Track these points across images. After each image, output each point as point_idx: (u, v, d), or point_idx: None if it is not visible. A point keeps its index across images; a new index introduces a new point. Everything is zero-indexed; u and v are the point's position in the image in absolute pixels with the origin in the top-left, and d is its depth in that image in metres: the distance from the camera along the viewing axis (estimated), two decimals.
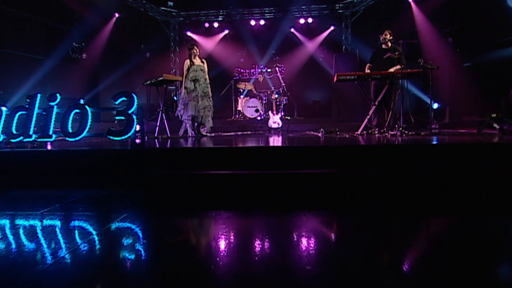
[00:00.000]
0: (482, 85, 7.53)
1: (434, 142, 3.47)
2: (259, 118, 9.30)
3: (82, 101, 3.84)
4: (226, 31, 12.42)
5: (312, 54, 12.68)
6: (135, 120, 3.44)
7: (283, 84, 9.75)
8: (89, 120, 3.53)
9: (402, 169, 2.78)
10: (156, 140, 5.07)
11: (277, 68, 9.76)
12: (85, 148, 3.39)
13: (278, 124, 7.74)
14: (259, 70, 12.24)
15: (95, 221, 2.45)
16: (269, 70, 12.14)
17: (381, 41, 5.56)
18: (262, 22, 12.48)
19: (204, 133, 6.16)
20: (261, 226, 2.39)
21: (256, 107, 9.45)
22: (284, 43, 12.77)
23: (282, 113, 8.33)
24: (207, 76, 6.08)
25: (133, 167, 3.07)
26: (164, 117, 5.48)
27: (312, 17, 12.68)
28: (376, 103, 5.16)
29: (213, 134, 6.32)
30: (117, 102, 3.53)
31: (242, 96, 9.98)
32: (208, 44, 12.36)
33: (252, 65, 12.56)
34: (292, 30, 12.65)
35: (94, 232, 2.21)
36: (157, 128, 5.54)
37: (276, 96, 9.82)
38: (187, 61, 5.94)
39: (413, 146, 3.24)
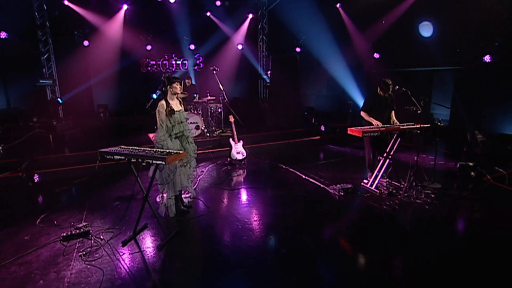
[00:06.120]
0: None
1: None
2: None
3: None
4: (125, 6, 8.97)
5: (230, 43, 10.99)
6: None
7: (223, 91, 8.05)
8: None
9: None
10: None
11: (214, 72, 7.82)
12: None
13: (243, 154, 6.33)
14: (180, 66, 9.75)
15: None
16: (182, 64, 9.89)
17: (386, 94, 4.96)
18: None
19: (188, 202, 4.27)
20: None
21: (196, 123, 7.48)
22: (198, 28, 10.46)
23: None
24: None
25: None
26: (152, 206, 3.23)
27: (228, 0, 10.75)
28: (390, 156, 4.76)
29: (189, 194, 4.45)
30: None
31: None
32: (102, 22, 8.68)
33: (164, 54, 9.87)
34: (208, 14, 10.44)
35: None
36: (137, 225, 3.32)
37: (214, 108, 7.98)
38: (163, 105, 3.65)
39: None
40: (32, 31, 8.20)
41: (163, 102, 3.66)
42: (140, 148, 3.27)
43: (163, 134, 3.60)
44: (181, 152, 3.16)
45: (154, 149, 3.25)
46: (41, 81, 8.24)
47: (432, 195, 4.48)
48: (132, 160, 3.00)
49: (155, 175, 3.24)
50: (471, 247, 3.21)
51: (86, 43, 8.77)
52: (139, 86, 9.58)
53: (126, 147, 3.31)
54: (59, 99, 8.05)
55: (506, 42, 6.78)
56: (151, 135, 7.77)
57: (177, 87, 3.76)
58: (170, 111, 3.65)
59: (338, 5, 9.34)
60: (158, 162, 2.88)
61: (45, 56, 8.45)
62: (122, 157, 3.03)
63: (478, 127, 6.69)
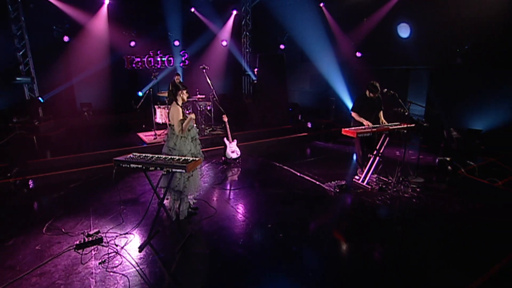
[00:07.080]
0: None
1: None
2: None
3: None
4: (107, 1, 8.61)
5: (215, 40, 10.92)
6: None
7: (213, 90, 8.06)
8: None
9: None
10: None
11: (204, 71, 7.79)
12: None
13: (237, 153, 6.47)
14: (168, 64, 9.55)
15: None
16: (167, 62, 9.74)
17: (374, 95, 5.25)
18: None
19: (194, 204, 4.37)
20: None
21: None
22: (183, 25, 10.27)
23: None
24: None
25: None
26: (167, 212, 3.28)
27: None
28: (380, 154, 5.12)
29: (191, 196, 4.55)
30: None
31: (161, 106, 7.56)
32: (83, 16, 8.28)
33: (149, 51, 9.64)
34: (193, 10, 10.27)
35: None
36: (151, 230, 3.38)
37: (203, 106, 7.98)
38: (179, 110, 3.75)
39: None
40: (5, 25, 7.68)
41: (178, 107, 3.73)
42: (154, 155, 3.33)
43: (181, 139, 3.69)
44: (196, 159, 3.27)
45: (170, 156, 3.32)
46: (17, 79, 7.78)
47: (418, 189, 4.92)
48: (150, 169, 3.06)
49: (170, 181, 3.32)
50: (457, 236, 3.64)
51: (66, 38, 8.34)
52: (124, 84, 9.31)
53: (139, 154, 3.35)
54: (40, 98, 7.65)
55: (474, 46, 7.40)
56: (141, 135, 7.66)
57: (186, 94, 3.84)
58: (184, 117, 3.76)
59: (321, 5, 9.57)
60: (179, 170, 2.97)
61: (21, 52, 7.95)
62: (139, 165, 3.08)
63: (449, 123, 7.29)
